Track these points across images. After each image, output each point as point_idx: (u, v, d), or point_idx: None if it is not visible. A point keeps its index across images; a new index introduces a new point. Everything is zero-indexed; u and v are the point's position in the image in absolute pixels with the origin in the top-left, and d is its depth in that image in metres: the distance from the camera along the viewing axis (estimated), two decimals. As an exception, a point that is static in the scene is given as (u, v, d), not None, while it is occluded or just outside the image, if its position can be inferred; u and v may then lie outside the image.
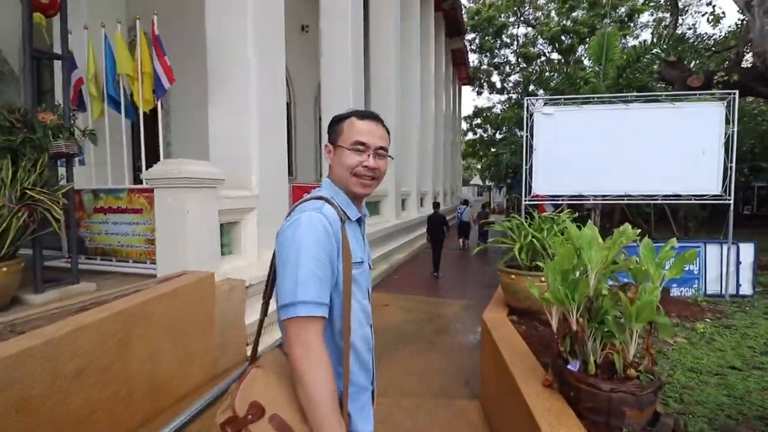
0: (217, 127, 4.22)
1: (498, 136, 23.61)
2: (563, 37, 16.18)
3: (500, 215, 19.44)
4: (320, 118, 8.14)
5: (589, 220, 2.11)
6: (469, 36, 20.13)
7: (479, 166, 40.68)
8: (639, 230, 1.84)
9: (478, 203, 19.39)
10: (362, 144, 1.01)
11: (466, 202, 12.27)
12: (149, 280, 3.03)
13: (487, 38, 18.90)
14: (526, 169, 4.26)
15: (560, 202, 4.19)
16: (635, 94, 4.45)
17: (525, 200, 4.31)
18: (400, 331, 4.40)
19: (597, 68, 5.91)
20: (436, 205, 9.12)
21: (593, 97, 4.35)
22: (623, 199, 4.16)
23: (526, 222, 2.96)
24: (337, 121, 1.08)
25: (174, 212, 3.22)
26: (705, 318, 3.44)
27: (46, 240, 3.20)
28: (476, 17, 17.97)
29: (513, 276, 2.82)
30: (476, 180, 35.56)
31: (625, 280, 1.77)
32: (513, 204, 22.63)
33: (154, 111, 7.78)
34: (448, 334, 4.37)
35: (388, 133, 1.10)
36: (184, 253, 3.22)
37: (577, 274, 1.75)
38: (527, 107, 4.30)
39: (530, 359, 2.05)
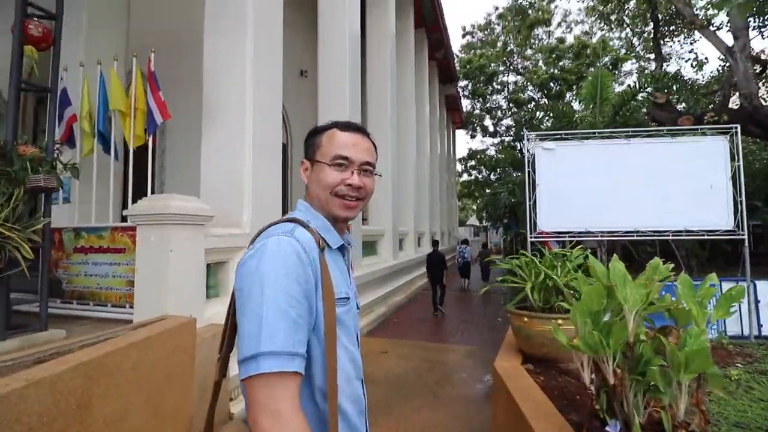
0: (209, 161, 4.10)
1: (493, 177, 24.02)
2: (552, 84, 16.92)
3: (498, 255, 19.33)
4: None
5: (614, 255, 1.92)
6: (462, 83, 21.03)
7: (474, 207, 41.04)
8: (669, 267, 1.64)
9: (476, 243, 19.23)
10: (345, 158, 0.85)
11: (466, 242, 12.49)
12: (122, 327, 2.73)
13: (479, 85, 19.74)
14: (529, 204, 4.11)
15: (567, 238, 4.01)
16: (636, 129, 4.42)
17: (531, 237, 4.11)
18: (400, 383, 4.01)
19: (591, 108, 6.00)
20: (435, 243, 9.19)
21: (594, 133, 4.31)
22: (632, 235, 4.00)
23: (536, 259, 2.75)
24: (315, 133, 0.92)
25: (157, 251, 2.99)
26: (736, 363, 3.14)
27: (21, 282, 2.93)
28: (468, 66, 18.87)
29: (526, 319, 2.56)
30: (472, 220, 35.62)
31: (663, 322, 1.54)
32: (510, 243, 22.49)
33: (147, 150, 7.73)
34: (451, 384, 3.99)
35: (375, 147, 0.95)
36: (165, 296, 2.95)
37: (608, 316, 1.52)
38: (527, 142, 4.24)
39: (556, 418, 1.76)
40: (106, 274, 3.94)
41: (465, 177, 27.33)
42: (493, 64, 18.94)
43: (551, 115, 7.76)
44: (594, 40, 17.41)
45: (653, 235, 4.00)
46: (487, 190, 25.43)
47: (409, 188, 11.83)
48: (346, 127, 0.90)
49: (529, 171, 4.16)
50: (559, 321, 2.49)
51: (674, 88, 7.08)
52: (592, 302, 1.46)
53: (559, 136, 4.33)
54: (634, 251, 6.10)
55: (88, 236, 4.03)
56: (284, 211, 9.07)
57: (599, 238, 4.01)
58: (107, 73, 4.14)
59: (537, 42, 20.57)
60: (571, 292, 2.31)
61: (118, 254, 3.77)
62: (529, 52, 20.31)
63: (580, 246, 2.87)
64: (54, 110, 3.08)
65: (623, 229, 3.99)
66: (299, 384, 0.68)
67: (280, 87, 4.58)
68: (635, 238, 4.03)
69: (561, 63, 17.40)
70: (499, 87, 19.90)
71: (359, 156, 0.86)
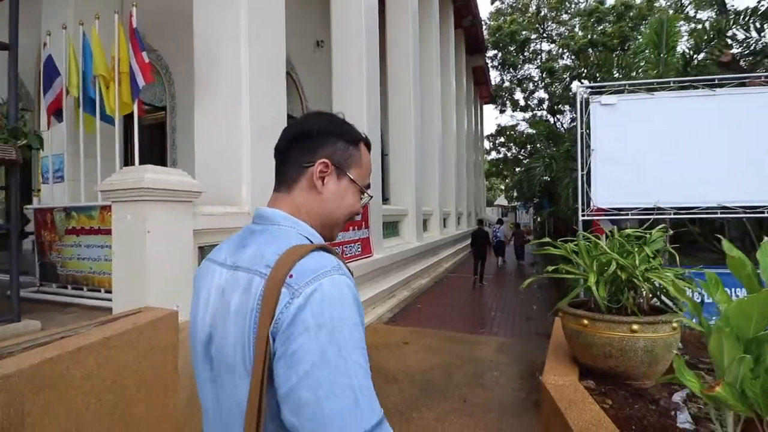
0: (202, 134, 3.63)
1: (523, 154, 22.69)
2: (591, 50, 15.39)
3: (528, 236, 18.61)
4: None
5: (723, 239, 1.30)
6: (490, 53, 19.64)
7: (503, 187, 39.47)
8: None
9: (504, 224, 18.35)
10: (368, 188, 0.79)
11: (500, 221, 13.17)
12: (90, 321, 2.31)
13: (509, 54, 18.28)
14: (582, 175, 3.37)
15: (630, 217, 3.26)
16: (725, 76, 3.53)
17: (583, 214, 3.40)
18: (425, 382, 3.50)
19: (655, 57, 4.97)
20: (479, 221, 10.44)
21: (669, 82, 3.45)
22: (716, 212, 3.19)
23: (595, 243, 2.09)
24: (350, 140, 0.76)
25: (132, 232, 2.55)
26: None
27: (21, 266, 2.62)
28: (497, 33, 17.43)
29: (586, 322, 1.94)
30: (500, 200, 34.31)
31: None
32: (542, 225, 21.38)
33: (161, 126, 7.33)
34: (483, 385, 3.44)
35: None
36: (142, 284, 2.52)
37: None
38: (581, 97, 3.45)
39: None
40: (98, 258, 3.59)
41: (493, 155, 26.07)
42: (524, 32, 17.39)
43: (601, 71, 6.69)
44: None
45: (745, 213, 3.17)
46: (518, 168, 24.15)
47: (433, 167, 11.21)
48: (370, 147, 0.81)
49: (582, 133, 3.38)
50: (634, 327, 1.86)
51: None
52: (749, 323, 0.83)
53: (621, 88, 3.48)
54: (706, 230, 5.09)
55: (79, 216, 3.68)
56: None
57: (672, 216, 3.23)
58: (90, 34, 3.69)
59: (573, 5, 18.78)
60: (675, 296, 1.67)
61: (108, 236, 3.39)
62: (564, 17, 18.58)
63: (661, 226, 2.17)
64: (13, 70, 2.64)
65: (704, 204, 3.18)
66: None
67: (283, 54, 3.98)
68: (719, 215, 3.22)
69: (600, 27, 15.70)
70: (531, 55, 18.32)
71: None
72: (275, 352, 0.57)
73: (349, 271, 0.67)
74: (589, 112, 3.35)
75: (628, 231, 2.13)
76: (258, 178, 3.51)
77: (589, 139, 3.33)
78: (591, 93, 3.42)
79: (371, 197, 0.82)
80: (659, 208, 3.22)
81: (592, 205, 3.33)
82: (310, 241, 0.68)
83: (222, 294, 0.66)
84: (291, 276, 0.58)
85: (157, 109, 7.25)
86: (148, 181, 2.47)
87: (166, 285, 2.62)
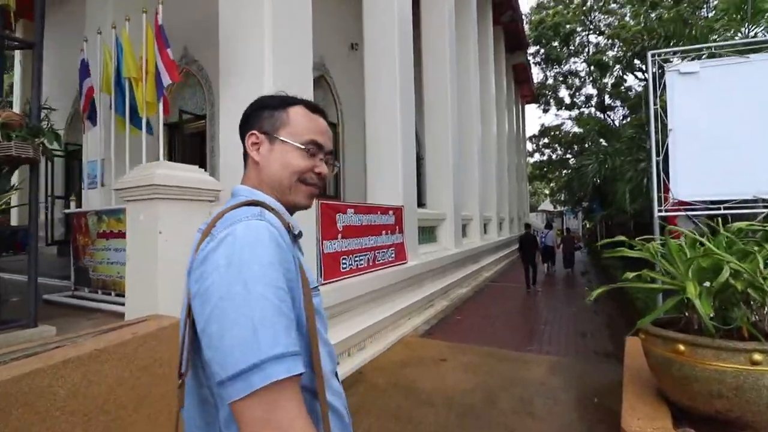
0: (227, 132, 3.47)
1: (570, 155, 21.34)
2: (645, 37, 14.13)
3: (578, 242, 17.50)
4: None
5: None
6: (531, 49, 18.74)
7: (547, 191, 37.50)
8: None
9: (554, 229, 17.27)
10: (317, 145, 0.77)
11: (549, 226, 12.66)
12: (89, 330, 2.14)
13: (553, 47, 17.27)
14: (658, 161, 2.77)
15: (720, 212, 2.61)
16: None
17: (658, 210, 2.81)
18: (464, 406, 3.06)
19: (737, 23, 4.16)
20: (527, 226, 10.31)
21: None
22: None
23: (693, 241, 1.59)
24: (275, 106, 0.78)
25: (145, 232, 2.38)
26: None
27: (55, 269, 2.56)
28: (540, 27, 16.54)
29: (682, 348, 1.45)
30: (545, 205, 32.57)
31: None
32: (593, 230, 19.87)
33: (202, 135, 7.45)
34: (534, 415, 2.94)
35: None
36: (154, 289, 2.33)
37: None
38: (654, 66, 2.86)
39: None
40: (125, 261, 3.54)
41: (536, 157, 24.81)
42: (569, 24, 16.34)
43: (670, 46, 5.82)
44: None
45: None
46: (564, 171, 22.72)
47: (473, 170, 10.70)
48: (314, 108, 0.81)
49: (657, 110, 2.79)
50: (756, 356, 1.35)
51: None
52: None
53: (705, 52, 2.83)
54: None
55: (108, 220, 3.64)
56: (336, 192, 8.50)
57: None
58: (122, 36, 3.69)
59: (623, -4, 17.49)
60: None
61: (132, 239, 3.27)
62: (613, 5, 17.30)
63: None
64: (37, 68, 2.59)
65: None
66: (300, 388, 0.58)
67: (309, 56, 3.75)
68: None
69: (655, 13, 14.36)
70: (578, 48, 17.15)
71: (328, 144, 0.80)
72: (191, 290, 0.61)
73: (287, 226, 0.69)
74: (664, 84, 2.76)
75: (739, 225, 1.61)
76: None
77: (665, 117, 2.74)
78: (666, 60, 2.82)
79: (331, 152, 0.81)
80: (763, 201, 2.57)
81: (671, 198, 2.73)
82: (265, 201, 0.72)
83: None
84: (215, 226, 0.64)
85: (198, 118, 7.41)
86: (160, 178, 2.28)
87: (179, 291, 2.42)
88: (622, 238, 1.89)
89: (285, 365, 0.54)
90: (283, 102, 0.78)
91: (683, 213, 2.67)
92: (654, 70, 2.82)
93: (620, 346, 4.46)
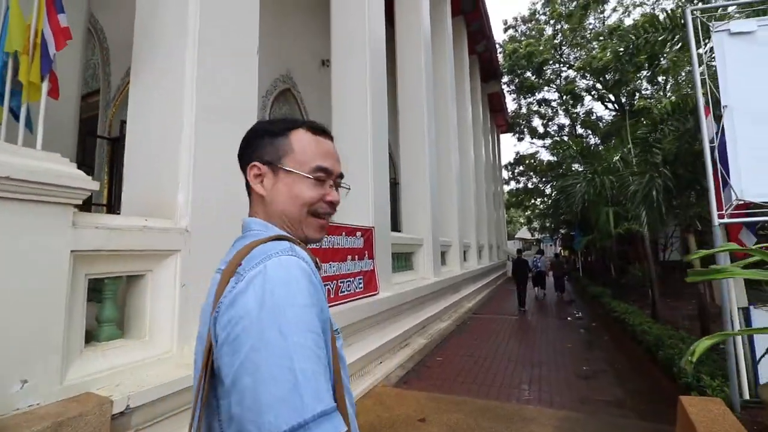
0: (135, 123, 2.65)
1: (543, 184, 21.41)
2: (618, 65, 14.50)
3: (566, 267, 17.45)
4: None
5: None
6: (505, 78, 19.05)
7: (522, 220, 37.73)
8: None
9: (528, 258, 16.92)
10: (325, 171, 0.70)
11: (541, 252, 13.60)
12: None
13: (527, 75, 17.53)
14: (714, 146, 2.12)
15: None
16: None
17: (718, 216, 2.12)
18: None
19: None
20: (519, 251, 11.60)
21: None
22: None
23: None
24: (275, 133, 0.71)
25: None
26: None
27: None
28: (513, 56, 16.81)
29: None
30: (522, 233, 32.55)
31: None
32: (574, 259, 19.59)
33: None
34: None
35: None
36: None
37: None
38: (694, 24, 2.23)
39: None
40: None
41: (512, 185, 24.87)
42: (542, 56, 16.69)
43: None
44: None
45: None
46: (540, 199, 22.75)
47: (451, 195, 10.31)
48: (319, 129, 0.73)
49: (705, 81, 2.15)
50: None
51: None
52: None
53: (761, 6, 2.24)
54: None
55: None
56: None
57: None
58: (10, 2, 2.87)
59: (589, 32, 18.21)
60: None
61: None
62: (581, 40, 17.94)
63: None
64: None
65: None
66: None
67: (255, 26, 3.06)
68: None
69: (623, 45, 14.85)
70: (552, 76, 17.46)
71: (337, 167, 0.73)
72: (217, 338, 0.54)
73: (314, 260, 0.64)
74: (710, 50, 2.17)
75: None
76: (203, 180, 2.45)
77: (717, 92, 2.11)
78: (712, 17, 2.20)
79: (341, 175, 0.73)
80: None
81: (732, 198, 2.06)
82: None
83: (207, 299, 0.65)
84: (240, 264, 0.58)
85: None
86: (-34, 162, 1.42)
87: (9, 345, 1.51)
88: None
89: (331, 423, 0.49)
90: (284, 127, 0.72)
91: (758, 219, 2.00)
92: (695, 27, 2.20)
93: (633, 391, 3.72)
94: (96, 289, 2.08)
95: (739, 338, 2.23)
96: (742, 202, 2.03)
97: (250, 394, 0.49)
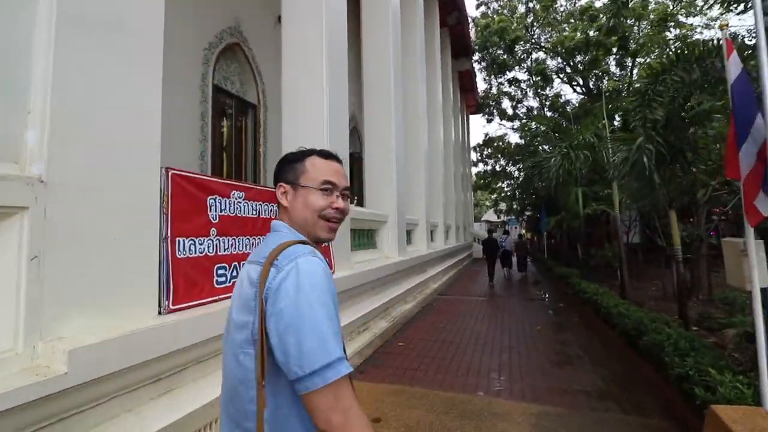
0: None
1: (513, 167, 21.43)
2: (587, 49, 14.31)
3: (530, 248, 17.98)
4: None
5: None
6: (476, 56, 18.57)
7: (488, 203, 38.17)
8: None
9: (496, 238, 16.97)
10: (331, 184, 0.96)
11: (507, 233, 14.09)
12: None
13: (499, 53, 17.08)
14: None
15: None
16: None
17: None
18: None
19: None
20: (489, 231, 13.14)
21: None
22: None
23: None
24: (295, 160, 1.00)
25: None
26: None
27: None
28: (485, 31, 16.26)
29: None
30: (488, 215, 32.91)
31: None
32: (538, 242, 19.85)
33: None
34: None
35: None
36: None
37: None
38: None
39: None
40: None
41: (480, 167, 24.80)
42: (515, 33, 16.25)
43: None
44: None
45: None
46: (508, 181, 22.81)
47: (419, 173, 9.91)
48: (327, 155, 1.00)
49: (755, 31, 1.64)
50: None
51: None
52: None
53: None
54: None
55: None
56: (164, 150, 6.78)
57: None
58: None
59: (560, 14, 17.99)
60: None
61: None
62: (553, 21, 17.68)
63: None
64: None
65: None
66: None
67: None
68: None
69: (595, 24, 14.68)
70: (523, 56, 17.11)
71: (342, 182, 0.98)
72: (266, 311, 0.82)
73: (325, 259, 0.91)
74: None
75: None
76: (67, 114, 1.73)
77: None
78: None
79: (347, 188, 0.99)
80: None
81: None
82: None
83: (240, 283, 0.91)
84: (277, 259, 0.85)
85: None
86: None
87: None
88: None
89: (345, 364, 0.78)
90: (301, 155, 0.99)
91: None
92: None
93: (612, 380, 3.37)
94: None
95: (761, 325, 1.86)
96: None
97: (294, 347, 0.76)
